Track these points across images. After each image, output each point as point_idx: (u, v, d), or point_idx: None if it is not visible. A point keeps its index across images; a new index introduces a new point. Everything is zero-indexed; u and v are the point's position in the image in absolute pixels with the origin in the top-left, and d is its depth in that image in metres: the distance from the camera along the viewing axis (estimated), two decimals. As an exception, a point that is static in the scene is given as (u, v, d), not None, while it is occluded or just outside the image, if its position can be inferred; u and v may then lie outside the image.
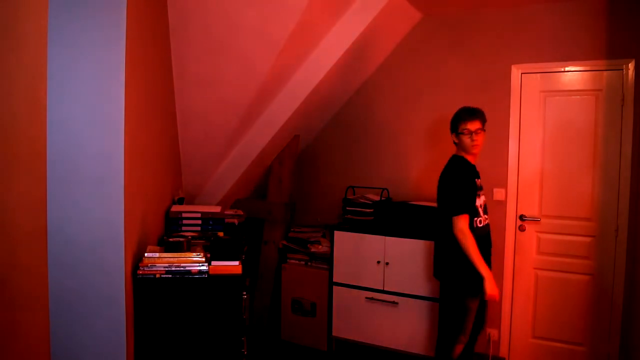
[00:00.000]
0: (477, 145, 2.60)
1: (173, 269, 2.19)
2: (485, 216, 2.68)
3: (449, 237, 2.56)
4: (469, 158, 2.64)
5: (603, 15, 3.09)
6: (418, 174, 3.70)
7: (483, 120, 2.61)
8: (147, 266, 2.17)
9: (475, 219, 2.58)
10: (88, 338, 2.01)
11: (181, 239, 2.36)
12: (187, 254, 2.25)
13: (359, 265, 3.40)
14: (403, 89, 3.74)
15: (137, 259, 2.20)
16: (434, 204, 3.37)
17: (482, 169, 3.44)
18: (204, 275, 2.21)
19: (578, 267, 3.23)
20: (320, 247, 3.63)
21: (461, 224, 2.51)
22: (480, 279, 2.51)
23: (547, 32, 3.24)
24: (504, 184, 3.38)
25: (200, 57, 2.91)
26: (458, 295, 2.60)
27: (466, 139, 2.58)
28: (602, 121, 3.14)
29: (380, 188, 3.70)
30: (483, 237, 2.63)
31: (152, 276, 2.16)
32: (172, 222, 2.86)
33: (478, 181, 2.64)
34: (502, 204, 3.39)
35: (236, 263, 2.29)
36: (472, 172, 2.63)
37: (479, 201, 2.62)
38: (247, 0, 2.69)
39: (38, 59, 1.88)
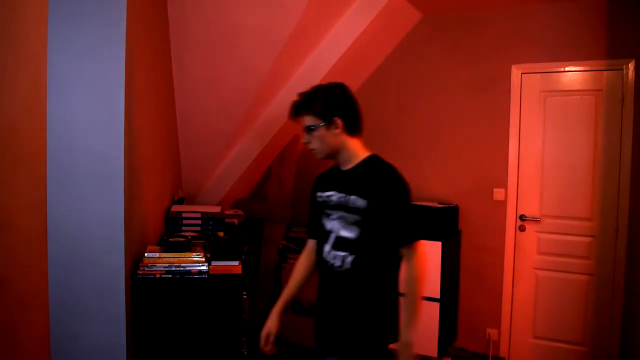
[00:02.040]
0: (312, 149, 1.77)
1: (173, 269, 2.19)
2: (335, 252, 1.72)
3: None
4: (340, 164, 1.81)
5: (603, 16, 3.09)
6: (418, 174, 3.69)
7: (318, 112, 1.70)
8: (147, 266, 2.17)
9: (323, 244, 1.80)
10: (88, 338, 2.01)
11: (181, 239, 2.36)
12: (187, 254, 2.25)
13: (359, 265, 3.39)
14: (403, 88, 3.74)
15: (137, 259, 2.20)
16: (434, 204, 3.38)
17: (482, 169, 3.47)
18: (204, 275, 2.21)
19: (578, 267, 3.23)
20: (320, 247, 3.62)
21: None
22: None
23: (547, 32, 3.23)
24: (504, 184, 3.38)
25: (200, 57, 2.91)
26: None
27: None
28: (602, 121, 3.14)
29: (380, 188, 3.70)
30: (325, 275, 1.79)
31: (152, 276, 2.16)
32: (172, 222, 2.86)
33: (329, 195, 1.77)
34: (502, 204, 3.39)
35: (236, 263, 2.29)
36: (316, 183, 1.90)
37: (329, 224, 1.76)
38: (247, 0, 2.69)
39: (38, 59, 1.88)
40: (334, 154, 1.77)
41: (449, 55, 3.55)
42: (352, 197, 1.68)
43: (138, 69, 2.17)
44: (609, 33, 3.08)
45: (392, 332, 1.71)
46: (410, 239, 1.67)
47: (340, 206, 1.72)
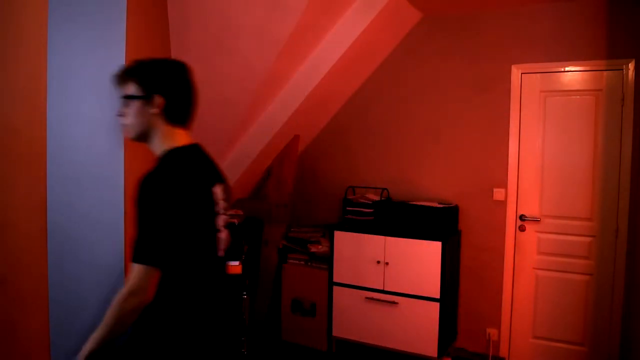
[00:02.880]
0: (123, 125, 1.54)
1: (173, 269, 2.18)
2: None
3: None
4: None
5: (603, 16, 3.09)
6: (418, 174, 3.70)
7: (140, 82, 1.47)
8: (147, 266, 2.16)
9: None
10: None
11: (181, 239, 2.36)
12: (187, 254, 2.25)
13: (359, 265, 3.40)
14: (403, 88, 3.74)
15: (137, 259, 2.20)
16: (434, 204, 3.38)
17: (482, 169, 3.47)
18: (204, 275, 2.20)
19: (578, 267, 3.23)
20: (320, 247, 3.63)
21: None
22: None
23: (547, 32, 3.23)
24: (504, 184, 3.38)
25: (200, 57, 2.90)
26: None
27: None
28: (602, 121, 3.14)
29: (380, 188, 3.70)
30: None
31: (152, 276, 2.16)
32: (172, 222, 2.86)
33: None
34: (502, 204, 3.39)
35: (236, 263, 2.30)
36: None
37: None
38: (247, 0, 2.69)
39: (38, 59, 1.88)
40: (145, 137, 1.53)
41: (449, 56, 3.55)
42: None
43: (138, 69, 2.17)
44: (609, 33, 3.08)
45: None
46: (133, 256, 1.37)
47: None
